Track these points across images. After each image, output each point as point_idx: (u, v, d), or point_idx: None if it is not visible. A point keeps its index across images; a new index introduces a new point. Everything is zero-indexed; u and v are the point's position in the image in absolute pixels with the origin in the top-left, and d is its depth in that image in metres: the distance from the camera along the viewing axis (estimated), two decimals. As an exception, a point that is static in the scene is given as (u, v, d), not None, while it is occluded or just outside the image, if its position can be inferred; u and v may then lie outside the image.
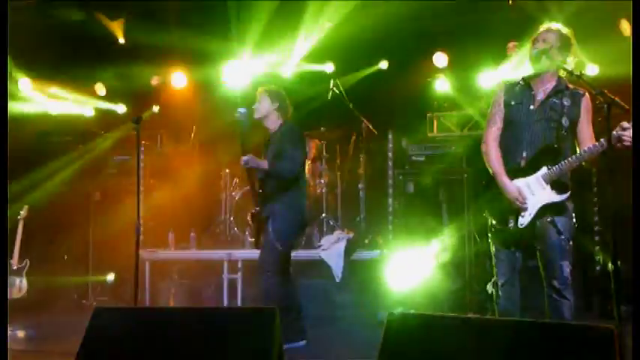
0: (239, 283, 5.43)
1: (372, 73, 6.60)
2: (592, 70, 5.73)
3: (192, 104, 6.63)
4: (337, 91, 6.04)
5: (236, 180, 6.30)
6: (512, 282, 3.21)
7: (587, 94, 3.04)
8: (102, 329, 2.10)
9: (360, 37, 6.55)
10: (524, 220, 3.01)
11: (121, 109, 7.10)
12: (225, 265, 5.46)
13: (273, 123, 4.16)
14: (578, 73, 2.79)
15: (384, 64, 6.59)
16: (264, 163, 4.00)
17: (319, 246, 5.48)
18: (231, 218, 6.03)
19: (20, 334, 4.77)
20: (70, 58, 6.64)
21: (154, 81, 6.90)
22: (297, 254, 5.39)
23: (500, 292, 3.22)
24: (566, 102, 3.01)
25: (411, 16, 6.24)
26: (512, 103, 3.11)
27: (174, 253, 5.81)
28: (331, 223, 5.94)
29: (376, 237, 5.72)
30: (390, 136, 5.69)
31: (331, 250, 5.28)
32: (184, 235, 5.97)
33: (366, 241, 5.66)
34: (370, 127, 6.22)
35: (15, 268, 5.57)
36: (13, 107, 6.51)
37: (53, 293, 5.74)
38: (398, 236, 5.48)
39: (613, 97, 2.56)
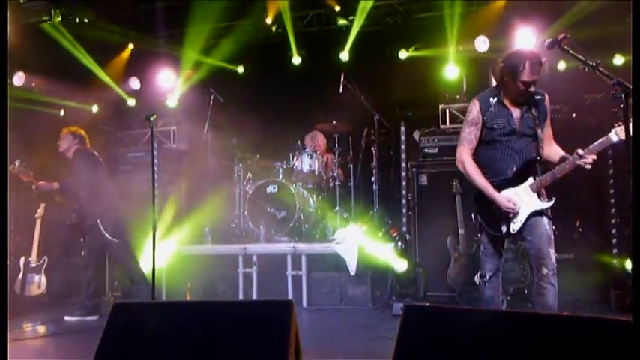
0: (254, 276, 5.47)
1: (385, 65, 6.56)
2: (619, 60, 5.68)
3: (203, 101, 6.65)
4: (349, 85, 6.03)
5: (249, 175, 6.34)
6: (498, 274, 3.50)
7: (546, 95, 3.32)
8: (121, 324, 2.12)
9: (371, 29, 6.56)
10: (515, 226, 3.28)
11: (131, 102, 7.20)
12: (240, 259, 5.51)
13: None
14: (594, 64, 2.76)
15: (403, 55, 6.53)
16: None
17: (333, 239, 5.49)
18: (245, 213, 6.07)
19: (41, 329, 4.85)
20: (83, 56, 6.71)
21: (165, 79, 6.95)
22: (311, 248, 5.44)
23: (487, 284, 3.49)
24: (535, 112, 3.28)
25: (423, 7, 6.22)
26: (495, 126, 3.30)
27: (189, 248, 5.86)
28: (345, 216, 5.94)
29: (390, 229, 5.73)
30: (402, 129, 5.67)
31: (345, 243, 5.29)
32: (199, 230, 6.02)
33: (380, 234, 5.65)
34: (382, 120, 6.20)
35: (34, 265, 5.66)
36: (27, 106, 6.62)
37: (71, 290, 5.82)
38: (412, 229, 5.49)
39: (629, 85, 2.53)
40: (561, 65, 5.80)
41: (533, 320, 1.94)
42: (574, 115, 5.34)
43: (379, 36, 6.59)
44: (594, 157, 3.17)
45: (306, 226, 5.88)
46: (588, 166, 3.16)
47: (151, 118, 3.95)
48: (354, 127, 6.35)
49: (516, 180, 3.28)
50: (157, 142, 4.22)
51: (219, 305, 2.33)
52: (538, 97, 3.29)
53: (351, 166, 6.31)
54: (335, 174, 6.11)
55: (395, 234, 5.52)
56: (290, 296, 5.27)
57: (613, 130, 3.13)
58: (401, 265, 5.02)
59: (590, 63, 2.77)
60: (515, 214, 3.24)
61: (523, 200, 3.26)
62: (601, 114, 5.08)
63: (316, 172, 6.01)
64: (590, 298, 4.93)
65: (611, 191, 5.07)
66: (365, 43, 6.64)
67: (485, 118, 3.30)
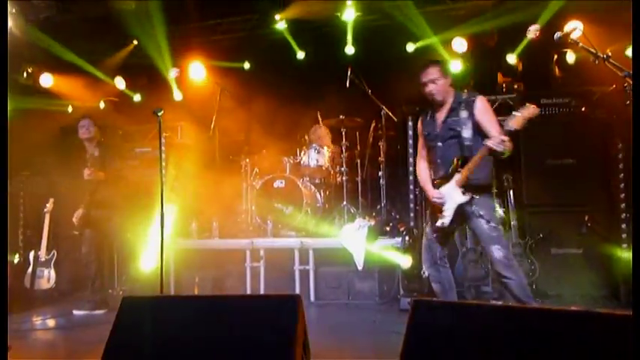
0: (261, 271, 5.48)
1: (391, 59, 6.53)
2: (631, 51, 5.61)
3: (211, 95, 6.65)
4: (356, 79, 6.01)
5: (256, 169, 6.34)
6: (437, 267, 3.77)
7: (479, 96, 3.62)
8: (130, 318, 2.14)
9: (379, 23, 6.52)
10: (444, 220, 3.58)
11: (137, 98, 7.23)
12: (248, 253, 5.52)
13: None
14: (604, 56, 2.74)
15: (410, 47, 6.50)
16: None
17: (341, 234, 5.48)
18: (253, 207, 6.08)
19: (50, 323, 4.89)
20: (89, 52, 6.73)
21: (173, 73, 6.95)
22: (318, 242, 5.45)
23: (429, 277, 3.82)
24: (464, 114, 3.58)
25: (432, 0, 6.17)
26: (426, 133, 3.81)
27: (197, 242, 5.89)
28: (352, 211, 5.94)
29: (397, 224, 5.72)
30: (409, 123, 5.65)
31: (353, 237, 5.29)
32: (207, 225, 6.04)
33: (388, 229, 5.65)
34: (390, 113, 6.18)
35: (43, 259, 5.71)
36: (35, 102, 6.66)
37: (80, 283, 5.86)
38: (419, 223, 5.47)
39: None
40: (570, 57, 5.74)
41: (540, 315, 1.94)
42: (583, 109, 5.30)
43: (387, 30, 6.55)
44: (504, 137, 3.37)
45: (314, 220, 5.89)
46: (501, 147, 3.35)
47: (159, 113, 3.95)
48: (362, 121, 6.33)
49: (448, 178, 3.60)
50: (164, 137, 4.22)
51: (228, 299, 2.35)
52: (470, 99, 3.62)
53: (359, 160, 6.30)
54: (342, 168, 6.10)
55: (402, 228, 5.50)
56: (297, 291, 5.28)
57: (511, 117, 3.40)
58: (406, 261, 5.01)
59: (601, 55, 2.74)
60: (446, 209, 3.57)
61: (451, 195, 3.56)
62: (611, 107, 5.04)
63: (323, 167, 6.01)
64: (599, 294, 4.91)
65: (621, 185, 5.03)
66: (372, 37, 6.61)
67: (422, 128, 3.85)
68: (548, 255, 5.09)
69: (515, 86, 5.87)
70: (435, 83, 3.64)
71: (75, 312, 5.13)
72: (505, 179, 5.19)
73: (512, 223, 5.08)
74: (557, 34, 2.96)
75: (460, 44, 6.29)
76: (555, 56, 5.85)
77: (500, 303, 4.49)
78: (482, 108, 3.60)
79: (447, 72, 3.73)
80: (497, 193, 5.30)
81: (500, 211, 3.64)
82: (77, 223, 5.21)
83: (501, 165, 5.42)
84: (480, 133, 3.55)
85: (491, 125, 3.54)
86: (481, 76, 6.19)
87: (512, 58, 6.06)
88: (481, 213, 3.51)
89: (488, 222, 3.50)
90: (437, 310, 2.12)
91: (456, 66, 6.28)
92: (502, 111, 5.86)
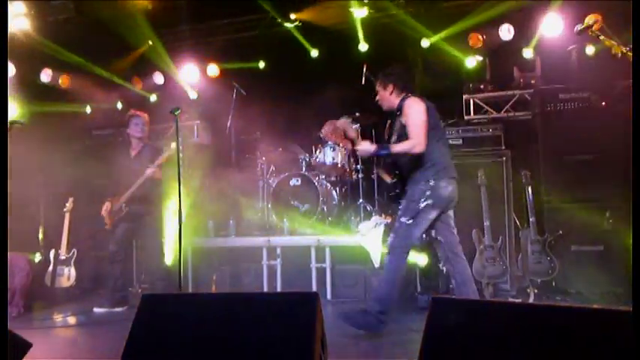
0: (278, 269, 5.50)
1: (407, 56, 6.49)
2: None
3: (226, 94, 6.68)
4: (371, 76, 5.98)
5: (272, 168, 6.36)
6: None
7: (407, 100, 3.86)
8: (150, 315, 2.16)
9: (393, 19, 6.48)
10: None
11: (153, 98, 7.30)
12: (265, 251, 5.54)
13: None
14: (626, 49, 2.68)
15: (425, 43, 6.46)
16: None
17: (357, 232, 5.48)
18: (269, 205, 6.10)
19: (71, 320, 4.96)
20: (105, 52, 6.81)
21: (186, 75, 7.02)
22: (335, 240, 5.45)
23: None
24: (400, 120, 3.88)
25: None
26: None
27: (214, 241, 5.92)
28: (368, 208, 5.92)
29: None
30: (426, 120, 5.60)
31: (369, 235, 5.27)
32: (223, 223, 6.07)
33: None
34: (405, 111, 6.14)
35: (63, 258, 5.79)
36: (54, 103, 6.76)
37: (100, 281, 5.94)
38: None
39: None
40: (590, 50, 5.65)
41: (560, 313, 1.91)
42: (603, 104, 5.21)
43: (401, 26, 6.51)
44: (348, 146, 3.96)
45: (330, 218, 5.89)
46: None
47: (176, 113, 3.98)
48: (377, 118, 6.30)
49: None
50: (180, 136, 4.28)
51: (246, 297, 2.36)
52: (401, 104, 3.90)
53: (375, 158, 6.27)
54: (358, 166, 6.09)
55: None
56: (314, 289, 5.28)
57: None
58: (422, 259, 4.98)
59: (623, 49, 2.69)
60: None
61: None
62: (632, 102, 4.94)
63: (339, 165, 6.00)
64: (620, 291, 4.83)
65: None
66: (386, 34, 6.58)
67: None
68: (568, 252, 5.02)
69: (533, 81, 5.80)
70: (378, 96, 4.05)
71: (95, 309, 5.20)
72: (523, 175, 5.13)
73: (530, 219, 5.02)
74: (578, 27, 2.92)
75: (477, 39, 6.22)
76: (575, 50, 5.75)
77: (519, 301, 4.46)
78: (406, 110, 3.83)
79: (385, 83, 3.99)
80: (514, 189, 5.27)
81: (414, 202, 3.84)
82: (110, 219, 5.26)
83: (520, 161, 5.38)
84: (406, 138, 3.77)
85: (408, 127, 3.77)
86: (497, 70, 6.12)
87: (528, 53, 5.98)
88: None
89: (399, 212, 3.92)
90: (456, 308, 2.10)
91: (471, 62, 6.23)
92: (519, 107, 5.81)
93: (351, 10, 6.40)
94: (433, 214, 3.84)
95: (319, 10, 6.52)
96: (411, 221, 3.79)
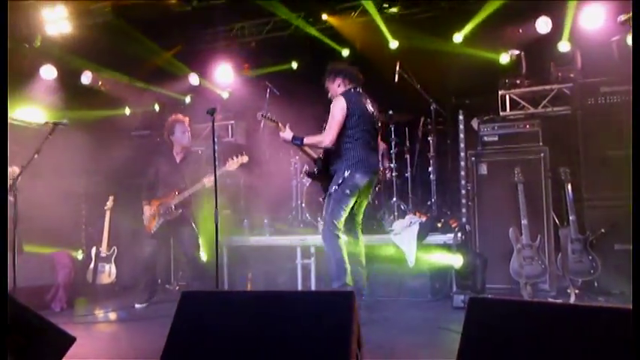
0: (312, 268, 5.50)
1: (440, 51, 6.41)
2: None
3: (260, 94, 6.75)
4: (404, 74, 5.94)
5: (306, 167, 6.38)
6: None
7: (336, 99, 4.31)
8: (189, 312, 2.21)
9: (425, 15, 6.42)
10: None
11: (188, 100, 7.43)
12: (299, 250, 5.56)
13: None
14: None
15: (458, 38, 6.36)
16: None
17: (391, 230, 5.45)
18: (303, 204, 6.13)
19: (112, 316, 5.11)
20: (142, 55, 6.96)
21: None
22: (369, 239, 5.43)
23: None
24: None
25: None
26: None
27: (249, 240, 5.99)
28: (402, 207, 5.88)
29: (449, 220, 5.62)
30: (460, 117, 5.53)
31: (403, 234, 5.24)
32: (258, 222, 6.14)
33: (439, 225, 5.56)
34: (439, 108, 6.08)
35: (104, 255, 5.97)
36: (96, 105, 6.96)
37: (139, 279, 6.08)
38: (472, 219, 5.36)
39: None
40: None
41: (602, 314, 1.86)
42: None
43: (434, 22, 6.44)
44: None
45: (364, 217, 5.86)
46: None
47: (213, 113, 4.05)
48: (411, 116, 6.25)
49: None
50: (216, 136, 4.36)
51: (283, 295, 2.38)
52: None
53: (408, 156, 6.22)
54: (391, 165, 6.05)
55: (454, 225, 5.41)
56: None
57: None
58: (457, 261, 4.91)
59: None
60: None
61: None
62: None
63: (373, 163, 5.97)
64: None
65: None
66: (419, 30, 6.51)
67: None
68: (611, 251, 4.87)
69: (572, 75, 5.64)
70: (328, 90, 4.49)
71: (136, 305, 5.34)
72: (562, 172, 5.00)
73: (570, 218, 4.89)
74: (621, 17, 2.83)
75: (513, 34, 6.10)
76: (616, 41, 5.57)
77: (559, 301, 4.34)
78: (332, 107, 4.28)
79: (334, 77, 4.43)
80: (553, 186, 5.15)
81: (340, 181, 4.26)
82: (152, 222, 5.32)
83: (558, 158, 5.25)
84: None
85: (327, 124, 4.28)
86: (533, 65, 5.97)
87: (565, 46, 5.82)
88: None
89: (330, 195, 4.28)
90: (494, 308, 2.07)
91: (506, 58, 6.10)
92: (557, 102, 5.66)
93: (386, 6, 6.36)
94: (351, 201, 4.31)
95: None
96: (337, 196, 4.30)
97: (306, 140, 4.35)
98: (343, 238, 4.34)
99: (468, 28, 6.29)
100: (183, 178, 5.33)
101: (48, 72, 6.75)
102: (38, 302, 4.87)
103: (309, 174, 4.79)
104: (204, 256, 5.95)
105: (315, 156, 4.61)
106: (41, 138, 4.29)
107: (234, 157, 5.09)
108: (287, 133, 4.41)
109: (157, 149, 6.10)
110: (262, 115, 4.51)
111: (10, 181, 4.24)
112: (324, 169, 4.52)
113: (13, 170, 5.12)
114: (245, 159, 5.14)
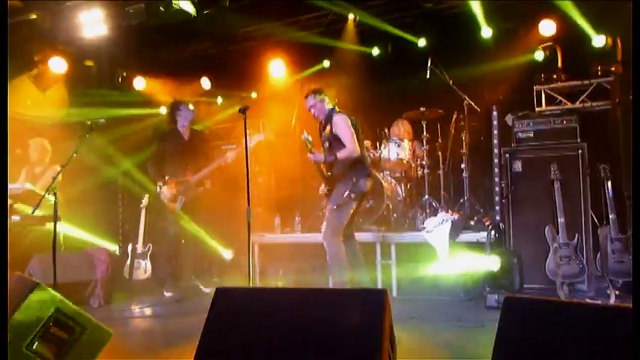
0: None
1: (472, 46, 6.30)
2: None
3: (291, 91, 6.78)
4: (436, 69, 5.87)
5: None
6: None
7: (335, 115, 4.62)
8: (224, 308, 2.24)
9: (457, 10, 6.31)
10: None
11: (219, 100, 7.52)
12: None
13: None
14: None
15: (487, 32, 6.25)
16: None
17: (423, 228, 5.40)
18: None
19: (148, 311, 5.22)
20: (175, 54, 7.08)
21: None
22: (400, 237, 5.39)
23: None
24: (333, 130, 4.59)
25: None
26: None
27: (280, 237, 6.03)
28: (434, 204, 5.82)
29: (482, 218, 5.53)
30: (494, 113, 5.43)
31: (435, 232, 5.18)
32: (289, 219, 6.17)
33: (472, 223, 5.48)
34: (472, 104, 5.99)
35: (140, 251, 6.10)
36: (131, 107, 7.11)
37: (174, 274, 6.19)
38: (506, 217, 5.26)
39: None
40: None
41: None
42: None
43: (466, 17, 6.33)
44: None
45: (395, 214, 5.83)
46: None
47: (245, 111, 4.09)
48: (443, 113, 6.17)
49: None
50: (248, 134, 4.42)
51: (316, 292, 2.39)
52: (331, 116, 4.66)
53: (440, 153, 6.15)
54: (423, 162, 5.99)
55: (487, 223, 5.32)
56: (379, 286, 5.26)
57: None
58: (494, 262, 4.82)
59: None
60: None
61: None
62: None
63: (404, 160, 5.92)
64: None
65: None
66: (451, 26, 6.42)
67: None
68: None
69: (613, 68, 5.46)
70: (314, 108, 4.73)
71: (165, 293, 5.47)
72: (602, 169, 4.84)
73: (610, 216, 4.74)
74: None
75: (547, 27, 5.94)
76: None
77: (598, 302, 4.22)
78: (335, 124, 4.58)
79: (320, 96, 4.71)
80: (591, 184, 5.01)
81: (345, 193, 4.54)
82: (173, 201, 5.41)
83: (597, 154, 5.10)
84: (335, 146, 4.58)
85: (345, 139, 4.54)
86: (570, 58, 5.81)
87: (600, 40, 5.65)
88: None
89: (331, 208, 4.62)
90: (530, 308, 2.02)
91: (540, 54, 5.94)
92: (596, 96, 5.49)
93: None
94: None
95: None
96: (339, 208, 4.60)
97: (340, 155, 4.55)
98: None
99: (500, 21, 6.15)
100: (195, 155, 5.39)
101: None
102: (77, 298, 5.00)
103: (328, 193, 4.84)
104: (229, 253, 6.04)
105: (326, 174, 4.79)
106: (79, 137, 4.41)
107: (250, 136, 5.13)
108: (318, 156, 4.68)
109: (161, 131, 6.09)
110: (305, 138, 4.69)
111: (51, 181, 4.36)
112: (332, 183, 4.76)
113: (53, 169, 5.30)
114: (261, 136, 5.25)
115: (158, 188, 5.50)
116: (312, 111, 4.79)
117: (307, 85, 6.52)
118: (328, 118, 4.67)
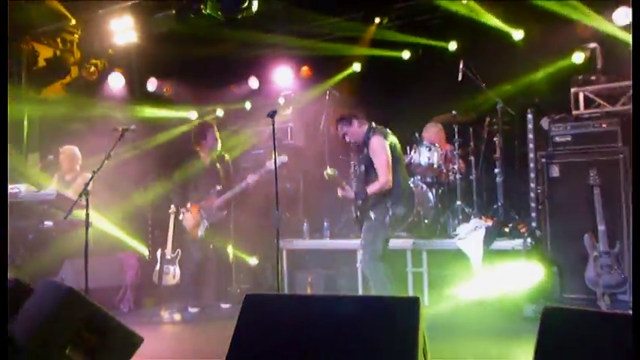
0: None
1: (506, 48, 6.14)
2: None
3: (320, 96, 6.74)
4: (469, 72, 5.74)
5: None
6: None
7: (373, 137, 4.42)
8: (253, 314, 2.21)
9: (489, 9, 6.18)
10: None
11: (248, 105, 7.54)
12: (359, 254, 5.47)
13: None
14: None
15: (518, 34, 6.09)
16: None
17: (455, 235, 5.26)
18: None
19: (177, 316, 5.22)
20: (204, 61, 7.12)
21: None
22: (432, 244, 5.26)
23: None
24: (369, 153, 4.44)
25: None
26: None
27: (309, 243, 5.97)
28: (467, 211, 5.67)
29: (517, 225, 5.35)
30: (529, 116, 5.27)
31: (468, 239, 5.04)
32: (318, 225, 6.10)
33: (507, 230, 5.30)
34: (506, 107, 5.83)
35: (169, 257, 6.12)
36: (160, 111, 7.19)
37: (202, 280, 6.19)
38: (542, 224, 5.08)
39: None
40: None
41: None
42: None
43: (497, 18, 6.18)
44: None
45: (426, 221, 5.70)
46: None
47: (274, 116, 4.05)
48: (475, 116, 6.03)
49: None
50: (275, 138, 4.41)
51: (347, 299, 2.33)
52: (367, 139, 4.48)
53: (473, 157, 5.99)
54: (455, 166, 5.85)
55: (523, 229, 5.15)
56: (411, 293, 5.15)
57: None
58: (536, 273, 4.64)
59: None
60: None
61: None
62: None
63: (435, 165, 5.79)
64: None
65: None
66: (483, 27, 6.28)
67: None
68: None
69: (655, 69, 5.23)
70: (347, 135, 4.58)
71: (190, 309, 5.44)
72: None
73: (653, 222, 4.52)
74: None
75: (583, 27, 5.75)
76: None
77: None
78: (372, 148, 4.41)
79: (350, 120, 4.51)
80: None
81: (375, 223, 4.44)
82: (195, 228, 5.45)
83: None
84: (371, 172, 4.42)
85: (379, 169, 4.36)
86: (611, 59, 5.59)
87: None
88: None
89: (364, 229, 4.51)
90: (569, 319, 1.96)
91: (579, 56, 5.75)
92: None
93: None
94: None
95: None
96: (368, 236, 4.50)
97: (370, 190, 4.39)
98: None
99: (535, 23, 5.99)
100: (218, 180, 5.41)
101: (115, 80, 6.99)
102: (107, 303, 5.05)
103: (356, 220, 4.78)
104: (254, 260, 6.01)
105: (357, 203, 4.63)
106: (110, 144, 4.44)
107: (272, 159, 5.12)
108: (349, 192, 4.58)
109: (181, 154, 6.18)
110: (329, 175, 4.55)
111: (82, 187, 4.40)
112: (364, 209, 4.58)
113: (84, 176, 5.37)
114: (284, 158, 5.17)
115: (181, 215, 5.60)
116: (347, 138, 4.64)
117: (333, 93, 6.54)
118: (365, 141, 4.50)
